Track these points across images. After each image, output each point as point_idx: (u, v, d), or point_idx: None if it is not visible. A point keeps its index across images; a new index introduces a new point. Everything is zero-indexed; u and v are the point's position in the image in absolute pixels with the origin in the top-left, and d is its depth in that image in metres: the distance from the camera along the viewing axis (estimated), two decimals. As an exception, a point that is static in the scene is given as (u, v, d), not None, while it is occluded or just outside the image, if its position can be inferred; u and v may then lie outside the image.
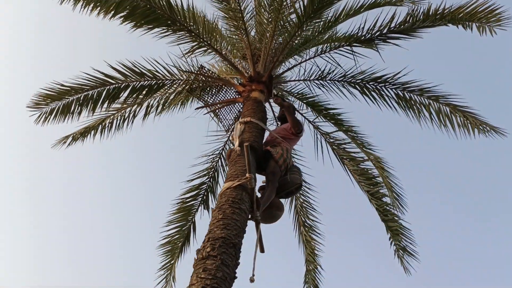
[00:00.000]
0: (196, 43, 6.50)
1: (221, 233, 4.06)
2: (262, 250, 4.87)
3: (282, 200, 5.50)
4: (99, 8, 5.35)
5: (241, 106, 6.47)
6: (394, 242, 6.07)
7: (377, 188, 6.19)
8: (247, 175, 4.61)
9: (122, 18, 5.67)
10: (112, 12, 5.49)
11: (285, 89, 7.34)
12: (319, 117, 7.37)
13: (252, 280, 4.09)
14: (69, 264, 13.89)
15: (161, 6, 5.88)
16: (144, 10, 5.78)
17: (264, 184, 5.38)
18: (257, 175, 5.57)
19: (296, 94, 7.40)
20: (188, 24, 6.24)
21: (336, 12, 6.60)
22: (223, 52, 7.00)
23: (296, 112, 6.17)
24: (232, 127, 6.55)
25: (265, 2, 6.66)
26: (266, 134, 5.91)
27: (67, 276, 13.59)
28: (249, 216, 4.65)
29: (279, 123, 6.26)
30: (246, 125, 5.55)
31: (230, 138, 5.50)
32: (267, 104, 6.94)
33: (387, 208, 6.10)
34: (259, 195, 5.05)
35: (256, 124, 5.57)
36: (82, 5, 5.24)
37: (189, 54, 6.53)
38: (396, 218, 6.08)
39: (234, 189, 4.57)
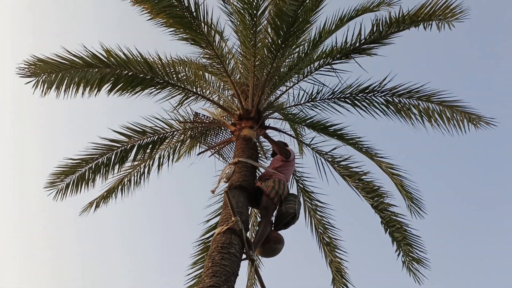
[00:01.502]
0: (183, 95, 6.87)
1: (210, 281, 4.28)
2: (263, 287, 5.05)
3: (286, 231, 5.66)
4: (82, 89, 5.82)
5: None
6: (402, 253, 6.02)
7: (381, 199, 6.18)
8: (233, 218, 4.83)
9: (107, 91, 6.14)
10: (96, 88, 5.96)
11: (281, 117, 7.51)
12: (323, 136, 7.49)
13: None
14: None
15: (142, 70, 6.30)
16: (126, 78, 6.23)
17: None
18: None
19: (294, 119, 7.55)
20: (171, 79, 6.63)
21: (318, 30, 6.79)
22: (213, 96, 7.36)
23: (287, 146, 6.32)
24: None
25: (245, 39, 6.92)
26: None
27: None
28: (244, 257, 4.86)
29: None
30: (236, 166, 5.79)
31: (223, 181, 5.72)
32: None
33: (393, 217, 6.08)
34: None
35: (246, 163, 5.80)
36: (64, 89, 5.74)
37: (179, 106, 6.91)
38: (405, 227, 6.03)
39: (224, 234, 4.79)
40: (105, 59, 5.99)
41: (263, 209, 5.38)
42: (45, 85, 5.70)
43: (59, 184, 7.04)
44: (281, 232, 5.62)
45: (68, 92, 5.74)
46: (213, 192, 5.11)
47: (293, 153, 6.02)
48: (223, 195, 7.11)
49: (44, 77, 5.71)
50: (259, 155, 7.51)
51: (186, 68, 7.84)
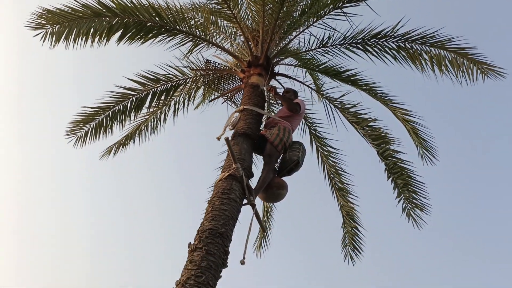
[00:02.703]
0: (193, 42, 6.89)
1: (209, 224, 4.52)
2: (263, 230, 5.29)
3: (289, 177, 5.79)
4: (91, 39, 5.93)
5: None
6: (403, 198, 6.09)
7: (387, 146, 6.19)
8: (233, 165, 4.99)
9: (116, 40, 6.23)
10: (105, 38, 6.05)
11: (293, 63, 7.44)
12: (336, 81, 7.42)
13: (242, 263, 4.52)
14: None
15: (150, 18, 6.33)
16: (135, 26, 6.27)
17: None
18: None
19: (306, 65, 7.47)
20: (181, 26, 6.63)
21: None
22: (225, 43, 7.36)
23: (297, 96, 6.32)
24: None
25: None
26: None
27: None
28: (245, 202, 5.06)
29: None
30: (242, 113, 5.88)
31: (228, 128, 5.81)
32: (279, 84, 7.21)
33: (398, 164, 6.10)
34: None
35: (251, 110, 5.87)
36: (73, 40, 5.86)
37: (189, 54, 6.95)
38: (410, 174, 6.07)
39: (225, 180, 4.97)
40: (113, 8, 6.04)
41: (267, 156, 5.51)
42: (54, 37, 5.83)
43: (78, 132, 7.34)
44: (290, 178, 5.77)
45: (77, 42, 5.86)
46: (218, 139, 5.23)
47: (303, 105, 6.01)
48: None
49: (52, 29, 5.83)
50: (272, 101, 7.57)
51: (199, 14, 7.82)
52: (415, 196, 6.07)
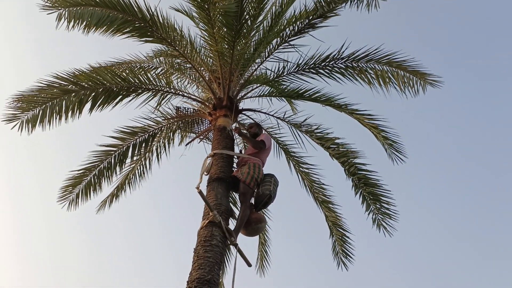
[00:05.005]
0: (160, 95, 7.39)
1: (196, 274, 5.02)
2: (249, 265, 5.79)
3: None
4: (65, 115, 6.45)
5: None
6: (373, 209, 6.58)
7: (352, 160, 6.67)
8: (211, 213, 5.48)
9: (88, 110, 6.73)
10: (77, 110, 6.56)
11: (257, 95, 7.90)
12: (301, 101, 7.93)
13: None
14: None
15: (115, 82, 6.84)
16: (103, 93, 6.78)
17: None
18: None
19: (270, 94, 7.93)
20: (145, 84, 7.13)
21: (273, 10, 7.06)
22: (189, 87, 7.89)
23: (261, 130, 6.78)
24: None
25: (206, 33, 7.16)
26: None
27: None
28: (228, 243, 5.56)
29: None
30: (213, 158, 6.36)
31: (204, 174, 6.27)
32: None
33: (363, 177, 6.57)
34: None
35: (221, 154, 6.35)
36: (47, 121, 6.37)
37: (158, 107, 7.44)
38: (376, 183, 6.56)
39: (206, 227, 5.46)
40: (78, 81, 6.53)
41: (241, 195, 5.98)
42: (29, 124, 6.34)
43: (69, 196, 7.85)
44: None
45: (51, 123, 6.37)
46: (198, 188, 5.65)
47: (268, 140, 6.39)
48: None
49: (26, 116, 6.35)
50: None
51: (165, 60, 8.33)
52: (385, 205, 6.55)
